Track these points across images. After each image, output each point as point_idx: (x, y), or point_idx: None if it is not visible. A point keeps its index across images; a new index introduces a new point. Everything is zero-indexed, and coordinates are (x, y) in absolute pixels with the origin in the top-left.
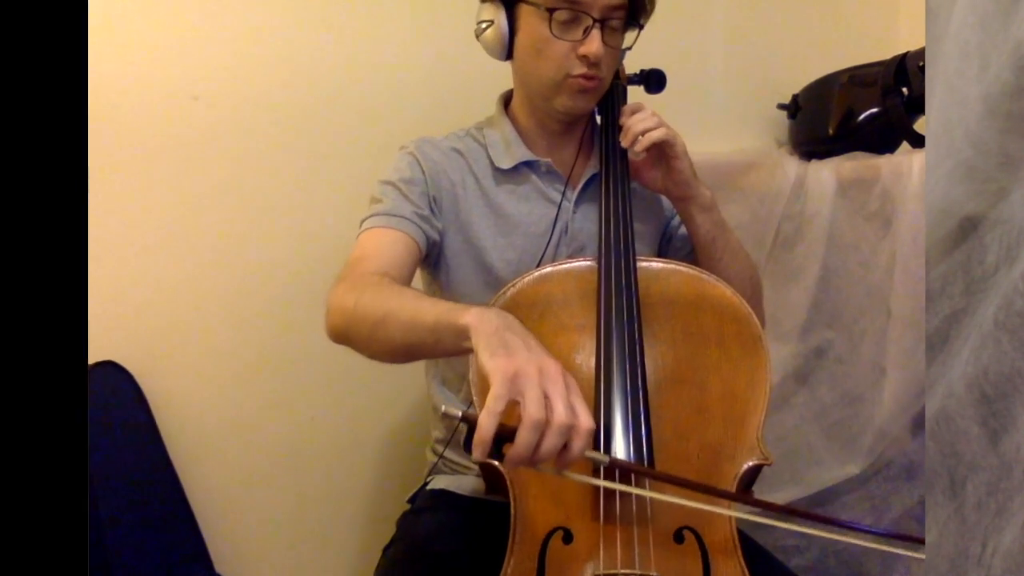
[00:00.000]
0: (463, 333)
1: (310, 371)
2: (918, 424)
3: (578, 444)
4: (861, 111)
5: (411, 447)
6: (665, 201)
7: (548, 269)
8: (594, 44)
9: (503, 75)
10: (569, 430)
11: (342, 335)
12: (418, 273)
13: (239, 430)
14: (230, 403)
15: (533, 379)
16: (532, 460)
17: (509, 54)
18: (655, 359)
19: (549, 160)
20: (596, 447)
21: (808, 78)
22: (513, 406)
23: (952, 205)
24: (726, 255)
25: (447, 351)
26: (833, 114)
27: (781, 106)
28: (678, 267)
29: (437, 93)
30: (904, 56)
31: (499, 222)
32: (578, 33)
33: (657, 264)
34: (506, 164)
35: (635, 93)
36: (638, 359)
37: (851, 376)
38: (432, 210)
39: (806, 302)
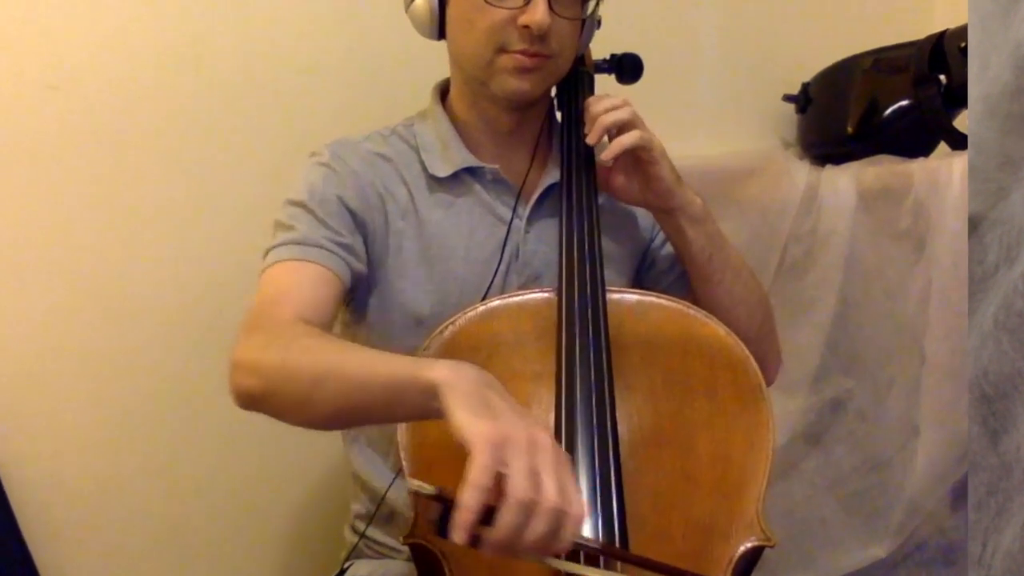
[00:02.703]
0: (430, 391)
1: (197, 428)
2: (959, 496)
3: (568, 532)
4: (888, 104)
5: (325, 524)
6: (643, 216)
7: (496, 303)
8: (538, 11)
9: (440, 58)
10: (560, 516)
11: (260, 399)
12: None
13: (107, 501)
14: (96, 467)
15: (522, 449)
16: (515, 547)
17: (442, 31)
18: (630, 414)
19: (496, 167)
20: None
21: (821, 63)
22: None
23: None
24: (727, 275)
25: (407, 414)
26: (853, 108)
27: (788, 98)
28: (658, 300)
29: (357, 81)
30: (941, 36)
31: (433, 244)
32: None
33: (632, 296)
34: (442, 171)
35: (605, 83)
36: (608, 414)
37: (875, 436)
38: (359, 234)
39: (819, 343)
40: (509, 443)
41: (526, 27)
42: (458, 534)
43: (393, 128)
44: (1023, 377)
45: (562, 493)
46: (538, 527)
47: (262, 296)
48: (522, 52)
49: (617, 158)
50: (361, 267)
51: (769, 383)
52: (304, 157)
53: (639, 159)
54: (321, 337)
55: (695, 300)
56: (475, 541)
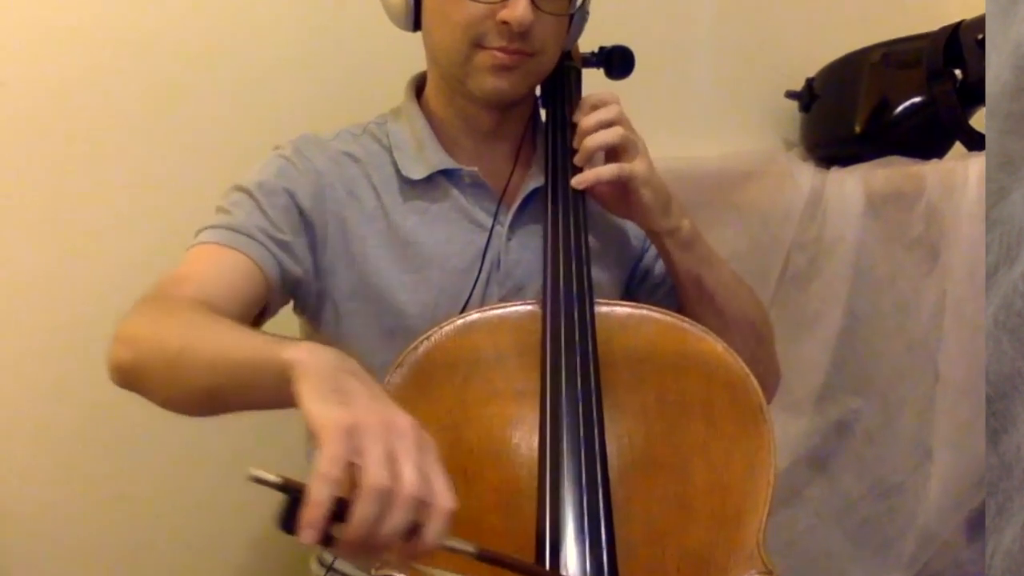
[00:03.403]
0: (284, 373)
1: (152, 452)
2: (976, 524)
3: (433, 527)
4: (899, 101)
5: (289, 555)
6: (636, 227)
7: (475, 316)
8: (519, 6)
9: (417, 51)
10: (420, 506)
11: (128, 373)
12: (296, 325)
13: (57, 530)
14: (44, 496)
15: (376, 435)
16: (372, 544)
17: (418, 22)
18: (620, 437)
19: (475, 169)
20: (540, 554)
21: (827, 57)
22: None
23: None
24: (718, 292)
25: (264, 399)
26: (861, 105)
27: (791, 94)
28: (651, 313)
29: (328, 75)
30: (957, 27)
31: (406, 253)
32: None
33: (623, 309)
34: (417, 173)
35: (594, 79)
36: (596, 437)
37: (885, 460)
38: (305, 237)
39: (824, 360)
40: (361, 429)
41: (506, 23)
42: (306, 532)
43: (365, 126)
44: (1023, 377)
45: (424, 482)
46: (396, 519)
47: (172, 273)
48: (501, 49)
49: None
50: (298, 270)
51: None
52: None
53: (620, 184)
54: (198, 313)
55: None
56: (327, 540)
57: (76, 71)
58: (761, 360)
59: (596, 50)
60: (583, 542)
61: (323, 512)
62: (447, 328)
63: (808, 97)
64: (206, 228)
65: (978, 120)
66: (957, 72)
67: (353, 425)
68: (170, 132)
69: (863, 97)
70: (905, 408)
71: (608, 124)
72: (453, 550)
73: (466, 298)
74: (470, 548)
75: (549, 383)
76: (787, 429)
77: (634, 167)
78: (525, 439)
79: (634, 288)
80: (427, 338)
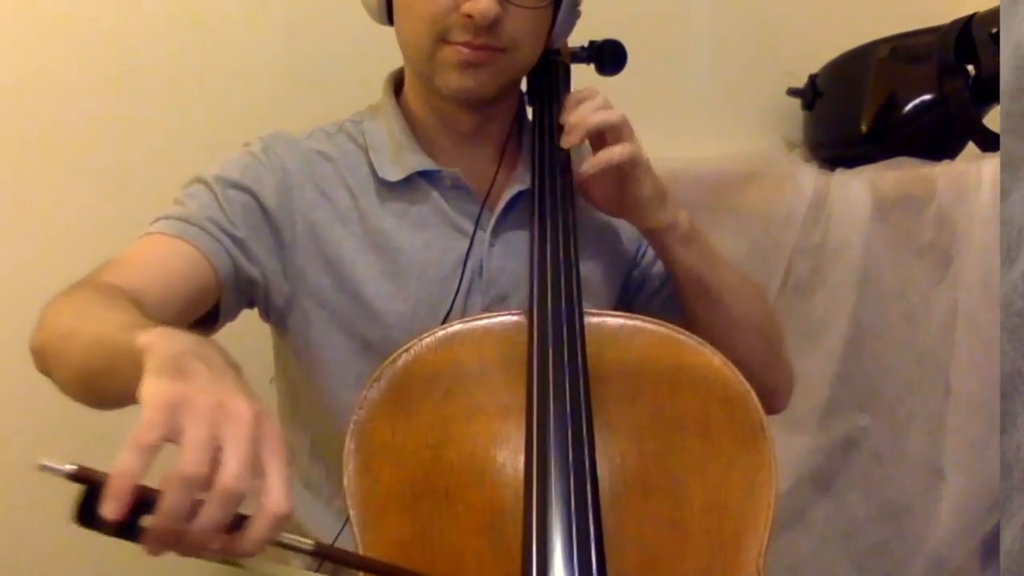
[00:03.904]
0: (137, 357)
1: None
2: (990, 550)
3: (258, 527)
4: (908, 99)
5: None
6: (630, 227)
7: (457, 327)
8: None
9: (396, 46)
10: (235, 500)
11: (37, 356)
12: (268, 335)
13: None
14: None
15: (203, 415)
16: (185, 539)
17: (391, 15)
18: (611, 456)
19: (457, 171)
20: None
21: (831, 52)
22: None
23: None
24: (722, 295)
25: (126, 387)
26: (867, 103)
27: (793, 92)
28: (645, 324)
29: (304, 71)
30: (969, 20)
31: (383, 259)
32: None
33: (614, 320)
34: (394, 175)
35: (583, 75)
36: (586, 456)
37: (894, 480)
38: (268, 239)
39: (829, 373)
40: (188, 406)
41: (470, 16)
42: (109, 507)
43: (341, 124)
44: (1023, 377)
45: (249, 472)
46: (211, 514)
47: (112, 259)
48: (466, 44)
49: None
50: (253, 270)
51: (780, 408)
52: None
53: (622, 173)
54: (103, 296)
55: (688, 322)
56: (131, 530)
57: (41, 68)
58: (772, 364)
59: (586, 44)
60: (572, 568)
61: (126, 484)
62: (428, 340)
63: (811, 94)
64: (158, 219)
65: (992, 119)
66: (970, 68)
67: (179, 399)
68: (137, 130)
69: (870, 94)
70: (914, 425)
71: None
72: (286, 547)
73: (447, 307)
74: (307, 545)
75: (536, 399)
76: (789, 447)
77: (637, 150)
78: (510, 458)
79: (631, 297)
80: (407, 350)
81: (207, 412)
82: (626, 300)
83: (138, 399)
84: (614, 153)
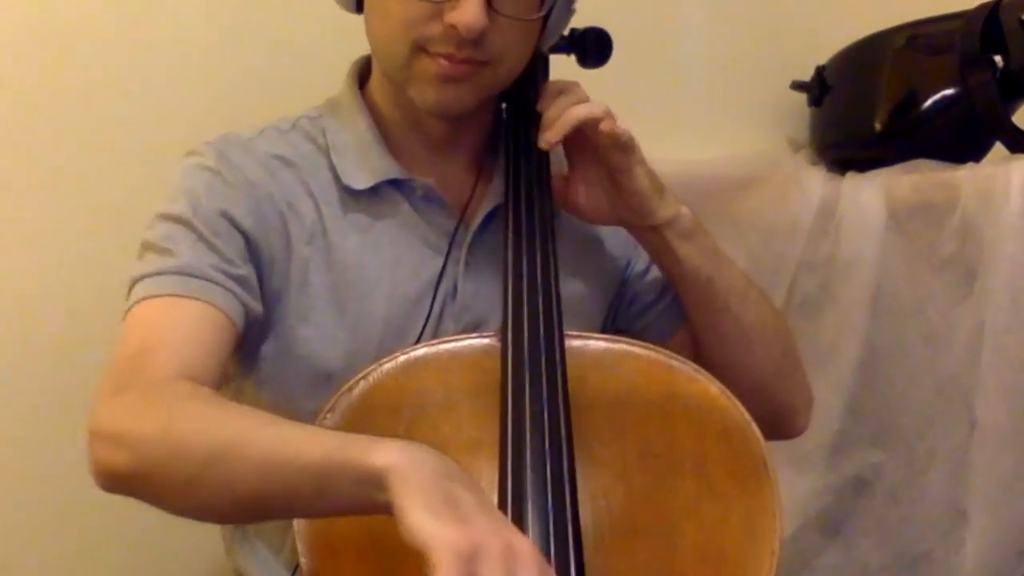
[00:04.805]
0: (373, 480)
1: (43, 512)
2: None
3: None
4: (928, 94)
5: None
6: (616, 237)
7: (421, 351)
8: (468, 9)
9: (361, 31)
10: None
11: (131, 479)
12: None
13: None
14: None
15: (497, 563)
16: None
17: (360, 4)
18: (595, 496)
19: (430, 181)
20: None
21: (841, 41)
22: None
23: None
24: (732, 295)
25: (338, 506)
26: (882, 99)
27: (797, 85)
28: (632, 348)
29: (252, 59)
30: (997, 5)
31: (345, 279)
32: None
33: (599, 343)
34: (360, 182)
35: (564, 67)
36: (567, 496)
37: (912, 523)
38: (251, 264)
39: (838, 404)
40: (482, 554)
41: (453, 27)
42: None
43: (295, 121)
44: None
45: None
46: None
47: (129, 343)
48: (447, 57)
49: (576, 169)
50: (257, 307)
51: (800, 429)
52: (181, 160)
53: (609, 166)
54: (214, 401)
55: (695, 334)
56: None
57: None
58: (789, 376)
59: (566, 33)
60: None
61: None
62: (388, 365)
63: (819, 89)
64: (145, 276)
65: (1022, 116)
66: (997, 58)
67: (473, 549)
68: (69, 133)
69: (885, 89)
70: (935, 462)
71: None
72: None
73: (416, 334)
74: None
75: (510, 432)
76: (795, 487)
77: (625, 130)
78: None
79: (622, 314)
80: (364, 377)
81: (502, 560)
82: (616, 320)
83: (415, 536)
84: (579, 110)
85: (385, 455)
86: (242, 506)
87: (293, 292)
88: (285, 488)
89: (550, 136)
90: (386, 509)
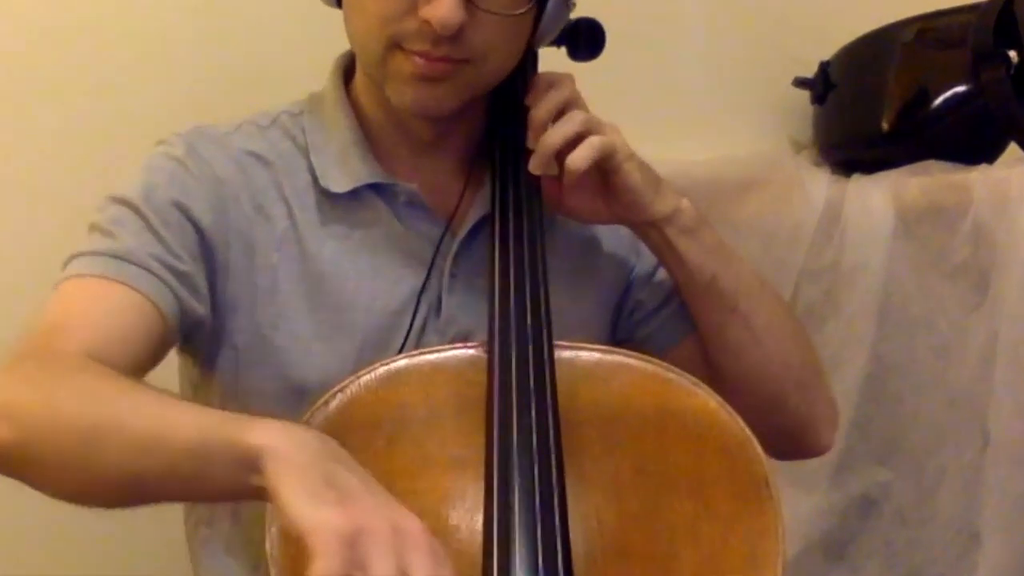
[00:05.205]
0: (251, 461)
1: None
2: None
3: None
4: (938, 91)
5: None
6: (615, 239)
7: (401, 363)
8: (443, 5)
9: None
10: None
11: (12, 454)
12: (176, 368)
13: None
14: None
15: (385, 544)
16: None
17: None
18: (587, 517)
19: (414, 186)
20: None
21: (847, 36)
22: None
23: None
24: (741, 294)
25: (215, 490)
26: (890, 96)
27: (800, 82)
28: (627, 359)
29: (229, 52)
30: None
31: (321, 289)
32: None
33: (591, 354)
34: (339, 185)
35: (554, 60)
36: (557, 517)
37: (921, 545)
38: (203, 264)
39: (844, 420)
40: (366, 536)
41: (426, 23)
42: None
43: (275, 116)
44: None
45: None
46: None
47: (46, 319)
48: (423, 54)
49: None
50: (199, 310)
51: (826, 446)
52: (148, 149)
53: (601, 168)
54: (105, 376)
55: (704, 342)
56: None
57: None
58: (810, 385)
59: None
60: None
61: None
62: (366, 378)
63: (823, 86)
64: (81, 255)
65: None
66: (1012, 53)
67: (355, 531)
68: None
69: (892, 86)
70: (945, 480)
71: (561, 109)
72: None
73: (397, 349)
74: None
75: (497, 449)
76: (798, 507)
77: (612, 139)
78: (465, 520)
79: (622, 323)
80: (341, 390)
81: (388, 541)
82: (618, 328)
83: (292, 523)
84: (579, 158)
85: (262, 434)
86: (123, 487)
87: (262, 301)
88: (164, 467)
89: (533, 168)
90: (262, 494)
